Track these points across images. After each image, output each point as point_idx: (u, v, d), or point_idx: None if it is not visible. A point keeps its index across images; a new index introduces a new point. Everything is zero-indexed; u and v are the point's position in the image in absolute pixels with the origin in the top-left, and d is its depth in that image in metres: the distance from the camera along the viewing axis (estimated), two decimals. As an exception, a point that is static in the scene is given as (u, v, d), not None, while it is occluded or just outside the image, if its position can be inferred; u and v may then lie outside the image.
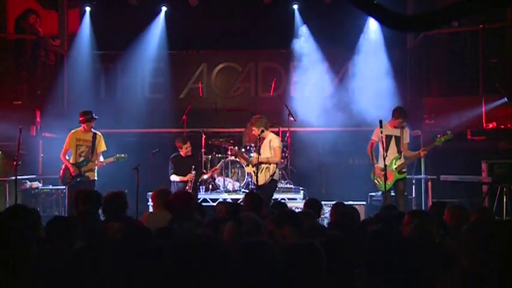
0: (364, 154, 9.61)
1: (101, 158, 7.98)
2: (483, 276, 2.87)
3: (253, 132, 7.50)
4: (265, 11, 10.82)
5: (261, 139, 7.51)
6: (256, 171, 7.32)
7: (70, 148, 7.92)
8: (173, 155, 8.28)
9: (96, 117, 8.00)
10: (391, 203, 7.35)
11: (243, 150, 8.70)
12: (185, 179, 8.11)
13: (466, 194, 8.04)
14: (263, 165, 7.41)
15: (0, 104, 9.00)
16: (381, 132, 7.14)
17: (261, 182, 7.34)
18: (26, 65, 9.50)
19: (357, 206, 6.34)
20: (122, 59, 11.15)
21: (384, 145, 7.23)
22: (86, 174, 7.86)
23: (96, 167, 7.91)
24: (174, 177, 8.16)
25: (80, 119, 7.94)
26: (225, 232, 3.54)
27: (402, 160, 7.50)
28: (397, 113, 7.54)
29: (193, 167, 8.01)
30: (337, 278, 2.77)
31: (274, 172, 7.49)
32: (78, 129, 8.00)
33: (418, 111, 9.33)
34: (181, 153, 8.17)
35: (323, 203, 8.30)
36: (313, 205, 5.26)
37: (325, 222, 7.44)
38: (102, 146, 8.03)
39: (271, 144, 7.50)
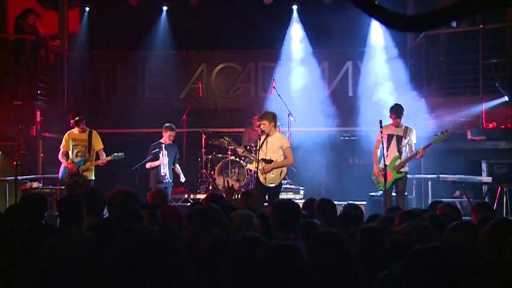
0: (364, 154, 9.64)
1: (104, 155, 7.97)
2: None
3: (263, 126, 7.39)
4: (265, 11, 10.82)
5: (262, 137, 7.41)
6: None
7: (67, 149, 7.91)
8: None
9: (81, 116, 7.93)
10: (391, 202, 7.38)
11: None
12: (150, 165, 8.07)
13: (466, 194, 8.04)
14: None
15: (0, 104, 9.00)
16: (381, 132, 7.16)
17: (272, 183, 7.21)
18: (26, 65, 9.50)
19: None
20: (122, 59, 11.17)
21: (386, 144, 7.26)
22: (84, 173, 7.86)
23: (93, 167, 7.91)
24: (148, 165, 8.13)
25: (71, 122, 7.94)
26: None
27: (402, 159, 7.51)
28: (394, 111, 7.56)
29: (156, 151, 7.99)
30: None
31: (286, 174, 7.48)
32: (73, 129, 8.00)
33: (418, 111, 9.32)
34: (162, 140, 8.17)
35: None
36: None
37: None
38: (99, 144, 8.03)
39: (281, 145, 7.34)
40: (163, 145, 8.11)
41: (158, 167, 8.05)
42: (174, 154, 8.22)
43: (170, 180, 8.10)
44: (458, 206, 7.40)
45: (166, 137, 8.17)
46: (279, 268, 2.26)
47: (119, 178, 8.25)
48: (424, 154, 7.45)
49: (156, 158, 8.05)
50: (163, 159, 8.03)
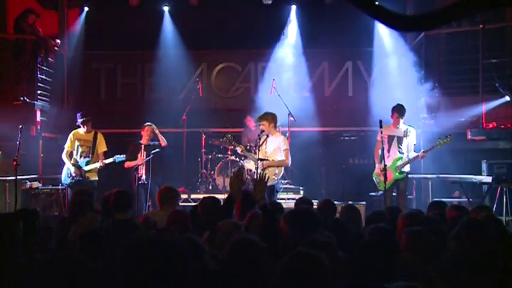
0: (364, 154, 9.65)
1: (103, 158, 7.98)
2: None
3: (262, 127, 7.40)
4: (265, 11, 10.82)
5: (262, 137, 7.42)
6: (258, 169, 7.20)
7: (72, 149, 7.94)
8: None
9: (89, 118, 8.01)
10: (391, 202, 7.40)
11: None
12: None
13: (466, 194, 8.05)
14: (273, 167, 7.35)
15: (0, 104, 9.00)
16: (381, 132, 7.17)
17: (269, 182, 7.22)
18: (26, 65, 9.49)
19: (357, 206, 6.34)
20: (122, 59, 11.17)
21: (386, 145, 7.29)
22: (87, 174, 7.90)
23: (97, 168, 7.92)
24: (125, 165, 8.11)
25: (79, 120, 7.97)
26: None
27: (404, 160, 7.53)
28: (395, 111, 7.60)
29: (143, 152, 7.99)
30: None
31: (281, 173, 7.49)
32: (78, 129, 8.03)
33: (418, 111, 9.33)
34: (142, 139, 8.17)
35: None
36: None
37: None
38: (103, 146, 8.07)
39: (280, 146, 7.37)
40: (142, 145, 8.12)
41: (137, 166, 8.02)
42: (152, 151, 8.10)
43: (146, 182, 7.91)
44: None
45: (145, 135, 8.16)
46: (300, 276, 2.25)
47: (120, 179, 8.25)
48: (425, 156, 7.49)
49: (133, 157, 8.06)
50: (141, 159, 7.98)
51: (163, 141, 8.20)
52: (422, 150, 7.58)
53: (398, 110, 7.58)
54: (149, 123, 8.25)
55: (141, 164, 7.97)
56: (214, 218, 4.03)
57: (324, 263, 2.29)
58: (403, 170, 7.54)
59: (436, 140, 7.46)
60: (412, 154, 7.59)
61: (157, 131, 8.21)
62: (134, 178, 8.03)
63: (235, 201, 4.46)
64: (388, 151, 7.44)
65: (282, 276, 2.27)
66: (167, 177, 8.42)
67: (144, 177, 7.95)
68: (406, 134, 7.56)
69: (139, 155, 8.01)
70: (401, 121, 7.58)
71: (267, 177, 4.99)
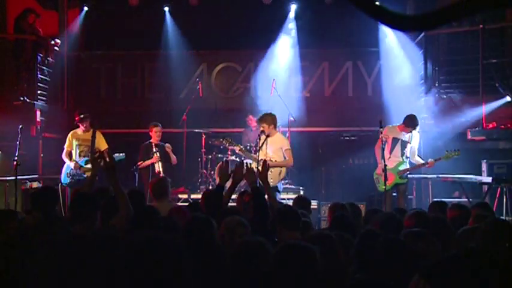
0: (364, 154, 9.63)
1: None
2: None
3: (262, 128, 7.40)
4: (265, 10, 10.82)
5: (262, 137, 7.42)
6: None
7: (71, 149, 7.96)
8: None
9: (87, 114, 8.06)
10: (391, 203, 7.39)
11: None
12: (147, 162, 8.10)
13: (466, 194, 8.05)
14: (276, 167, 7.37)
15: (0, 104, 9.00)
16: (381, 133, 7.16)
17: (273, 183, 7.17)
18: (26, 65, 9.49)
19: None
20: (122, 59, 11.17)
21: (389, 146, 7.28)
22: (87, 173, 7.89)
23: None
24: (142, 164, 8.17)
25: (76, 119, 8.01)
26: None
27: (407, 166, 7.51)
28: (408, 121, 7.53)
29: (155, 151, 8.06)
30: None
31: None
32: (77, 129, 8.04)
33: (418, 111, 9.32)
34: (152, 139, 8.22)
35: (322, 203, 8.36)
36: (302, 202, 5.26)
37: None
38: (104, 144, 8.06)
39: (281, 146, 7.38)
40: (153, 144, 8.15)
41: (152, 165, 8.05)
42: (164, 151, 8.23)
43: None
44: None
45: (155, 135, 8.18)
46: (293, 266, 2.27)
47: (119, 178, 8.24)
48: (434, 164, 7.46)
49: (147, 157, 8.08)
50: (156, 158, 8.04)
51: (174, 160, 8.33)
52: (430, 160, 7.52)
53: (411, 122, 7.48)
54: (155, 123, 8.27)
55: (156, 162, 8.05)
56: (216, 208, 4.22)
57: (315, 254, 2.34)
58: (404, 175, 7.52)
59: (444, 153, 7.42)
60: (417, 159, 7.56)
61: (169, 150, 8.28)
62: (146, 177, 8.06)
63: (223, 189, 4.67)
64: (390, 152, 7.42)
65: (275, 265, 2.30)
66: (167, 176, 8.42)
67: (162, 174, 7.99)
68: (410, 139, 7.53)
69: (154, 154, 8.08)
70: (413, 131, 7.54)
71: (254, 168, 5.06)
